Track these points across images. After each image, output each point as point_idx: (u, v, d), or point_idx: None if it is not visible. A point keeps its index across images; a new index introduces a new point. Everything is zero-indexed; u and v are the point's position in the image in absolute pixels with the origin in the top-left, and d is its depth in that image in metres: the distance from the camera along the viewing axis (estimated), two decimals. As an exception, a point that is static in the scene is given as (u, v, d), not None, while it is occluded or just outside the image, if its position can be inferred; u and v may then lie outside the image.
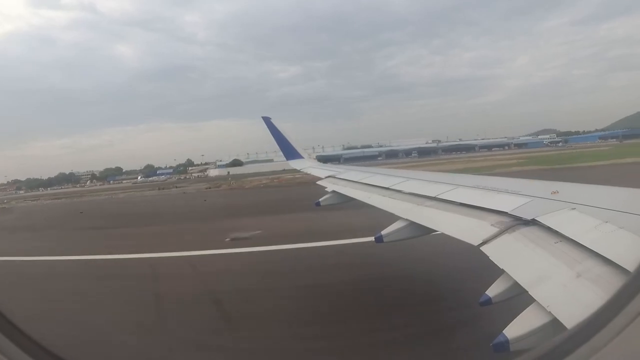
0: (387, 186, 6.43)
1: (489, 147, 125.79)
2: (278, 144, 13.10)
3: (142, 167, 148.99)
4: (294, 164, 12.72)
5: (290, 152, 12.98)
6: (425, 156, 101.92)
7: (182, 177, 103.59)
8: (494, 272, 2.71)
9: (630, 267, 2.02)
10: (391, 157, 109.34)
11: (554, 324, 2.03)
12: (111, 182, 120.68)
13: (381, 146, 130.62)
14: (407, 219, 4.73)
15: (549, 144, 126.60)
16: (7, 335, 1.71)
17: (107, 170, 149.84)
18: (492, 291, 2.61)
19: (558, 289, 2.25)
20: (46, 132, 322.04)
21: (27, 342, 1.78)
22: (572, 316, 1.96)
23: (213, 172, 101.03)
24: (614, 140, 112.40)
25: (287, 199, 28.55)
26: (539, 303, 2.18)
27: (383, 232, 4.82)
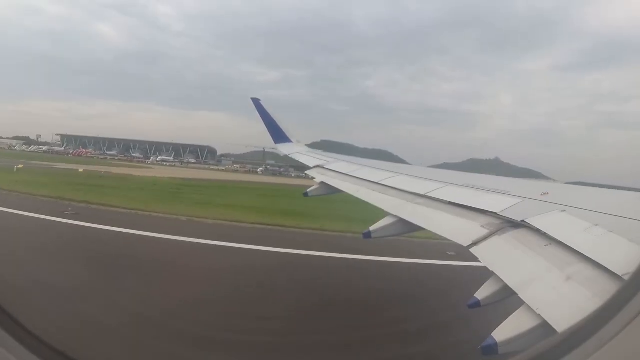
0: (376, 181, 6.39)
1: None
2: (267, 127, 12.70)
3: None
4: (282, 148, 12.30)
5: (278, 135, 12.54)
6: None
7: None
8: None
9: (620, 270, 2.01)
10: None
11: (544, 327, 2.02)
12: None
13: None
14: (396, 216, 4.70)
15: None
16: (9, 331, 1.68)
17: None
18: (481, 294, 2.60)
19: (548, 292, 2.24)
20: (41, 93, 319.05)
21: (28, 337, 1.75)
22: (561, 319, 1.95)
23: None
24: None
25: None
26: (528, 306, 2.16)
27: (371, 228, 4.77)
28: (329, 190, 7.86)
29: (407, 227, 4.56)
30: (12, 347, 1.61)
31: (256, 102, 12.82)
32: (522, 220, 3.08)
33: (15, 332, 1.70)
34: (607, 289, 1.95)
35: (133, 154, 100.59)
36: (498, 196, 3.89)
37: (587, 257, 2.29)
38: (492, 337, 2.11)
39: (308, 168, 9.64)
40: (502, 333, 2.12)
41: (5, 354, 1.55)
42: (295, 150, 11.80)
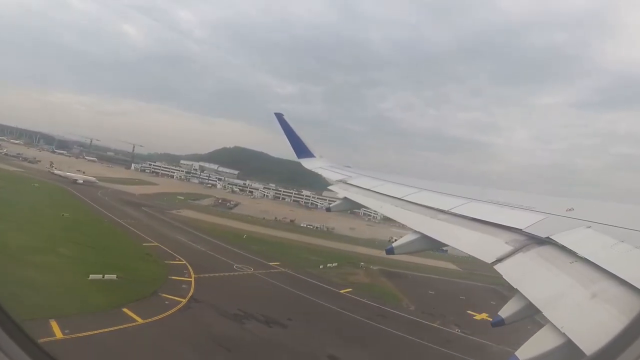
0: (399, 197, 6.41)
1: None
2: (289, 141, 12.88)
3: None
4: (305, 162, 12.36)
5: (301, 149, 12.63)
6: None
7: None
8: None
9: None
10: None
11: (568, 346, 2.00)
12: None
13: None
14: (419, 232, 4.72)
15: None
16: (8, 332, 1.74)
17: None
18: (505, 312, 2.58)
19: (573, 310, 2.22)
20: (66, 85, 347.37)
21: (26, 341, 1.82)
22: (587, 338, 1.93)
23: None
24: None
25: None
26: (553, 324, 2.15)
27: (394, 244, 4.81)
28: (352, 206, 7.93)
29: (430, 244, 4.57)
30: (10, 349, 1.67)
31: (279, 116, 13.01)
32: (547, 237, 3.04)
33: (15, 335, 1.75)
34: (634, 307, 1.93)
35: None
36: (522, 212, 3.84)
37: (613, 274, 2.26)
38: (516, 357, 2.10)
39: (330, 183, 9.74)
40: (526, 352, 2.11)
41: (2, 357, 1.64)
42: (318, 165, 11.87)
